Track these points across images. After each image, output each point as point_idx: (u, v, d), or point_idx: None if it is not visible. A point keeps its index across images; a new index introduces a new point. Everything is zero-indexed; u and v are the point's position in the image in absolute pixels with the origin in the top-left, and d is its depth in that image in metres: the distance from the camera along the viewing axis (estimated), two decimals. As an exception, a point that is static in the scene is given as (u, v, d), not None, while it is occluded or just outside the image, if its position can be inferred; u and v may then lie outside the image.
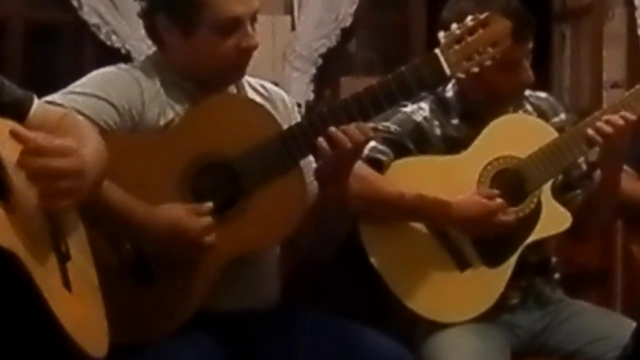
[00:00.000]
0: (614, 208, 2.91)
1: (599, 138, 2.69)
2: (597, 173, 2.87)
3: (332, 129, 2.35)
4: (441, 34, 2.47)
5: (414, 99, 2.73)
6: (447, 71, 2.45)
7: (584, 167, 2.93)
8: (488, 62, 2.48)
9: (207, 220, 2.29)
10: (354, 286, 2.77)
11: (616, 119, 2.68)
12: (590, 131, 2.71)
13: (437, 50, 2.45)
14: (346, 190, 2.45)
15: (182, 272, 2.34)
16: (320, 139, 2.35)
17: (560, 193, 2.85)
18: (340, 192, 2.44)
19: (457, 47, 2.46)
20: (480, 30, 2.47)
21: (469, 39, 2.46)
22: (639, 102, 2.77)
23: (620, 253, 3.91)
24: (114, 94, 2.37)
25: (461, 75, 2.50)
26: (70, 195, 1.79)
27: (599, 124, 2.70)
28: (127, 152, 2.28)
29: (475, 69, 2.48)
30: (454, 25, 2.47)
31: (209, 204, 2.31)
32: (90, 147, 1.94)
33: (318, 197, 2.47)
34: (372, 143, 2.70)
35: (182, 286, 2.33)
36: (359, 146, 2.39)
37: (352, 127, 2.35)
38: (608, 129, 2.68)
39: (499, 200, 2.68)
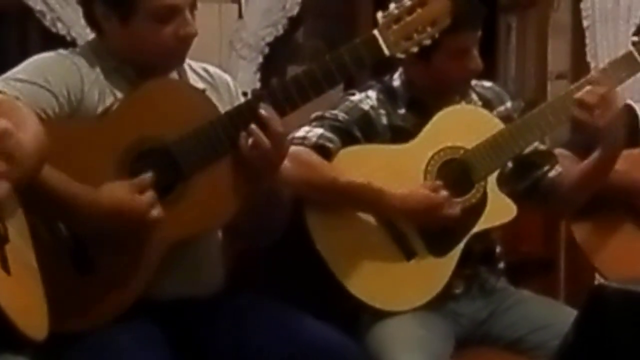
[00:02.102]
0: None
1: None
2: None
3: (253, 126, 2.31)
4: (379, 14, 2.46)
5: (359, 85, 2.72)
6: (386, 51, 2.44)
7: (542, 147, 2.94)
8: (427, 41, 2.48)
9: (150, 194, 2.26)
10: (299, 273, 2.76)
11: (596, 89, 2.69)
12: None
13: (375, 31, 2.44)
14: (275, 182, 2.42)
15: (123, 258, 2.30)
16: (243, 134, 2.32)
17: (524, 174, 2.87)
18: (269, 186, 2.41)
19: (395, 27, 2.44)
20: (419, 10, 2.45)
21: (408, 18, 2.45)
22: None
23: (564, 242, 3.95)
24: (52, 80, 2.34)
25: (401, 55, 2.48)
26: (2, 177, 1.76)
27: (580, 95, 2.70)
28: (66, 139, 2.25)
29: (415, 49, 2.47)
30: (392, 5, 2.47)
31: (148, 175, 2.27)
32: (29, 132, 1.92)
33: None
34: (320, 130, 2.71)
35: (122, 273, 2.30)
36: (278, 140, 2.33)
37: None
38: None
39: (444, 193, 2.69)
